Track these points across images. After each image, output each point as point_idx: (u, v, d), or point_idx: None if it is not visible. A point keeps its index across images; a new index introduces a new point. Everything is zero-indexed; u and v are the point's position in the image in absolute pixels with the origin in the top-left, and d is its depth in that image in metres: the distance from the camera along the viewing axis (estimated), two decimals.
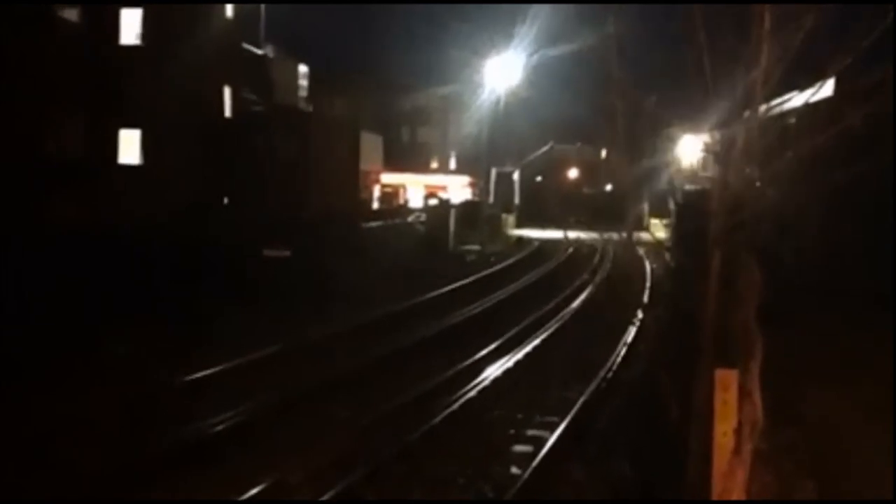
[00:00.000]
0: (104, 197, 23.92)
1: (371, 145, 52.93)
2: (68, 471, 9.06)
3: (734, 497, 5.88)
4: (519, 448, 11.03)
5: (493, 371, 14.62)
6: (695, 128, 7.49)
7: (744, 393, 5.90)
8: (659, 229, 34.89)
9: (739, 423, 5.91)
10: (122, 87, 25.61)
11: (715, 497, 5.93)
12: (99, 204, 23.15)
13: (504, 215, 52.56)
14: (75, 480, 8.78)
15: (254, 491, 8.76)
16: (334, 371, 14.08)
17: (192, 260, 19.89)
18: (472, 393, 13.14)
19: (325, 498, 8.62)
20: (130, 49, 26.74)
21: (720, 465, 5.93)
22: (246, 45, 34.19)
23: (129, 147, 27.08)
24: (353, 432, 10.95)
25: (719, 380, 5.87)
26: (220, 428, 10.83)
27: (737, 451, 5.91)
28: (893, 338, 8.52)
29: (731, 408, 5.88)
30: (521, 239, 48.20)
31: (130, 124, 26.75)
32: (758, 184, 6.70)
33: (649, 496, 8.59)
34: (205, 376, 13.05)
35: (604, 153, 73.60)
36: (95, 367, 13.35)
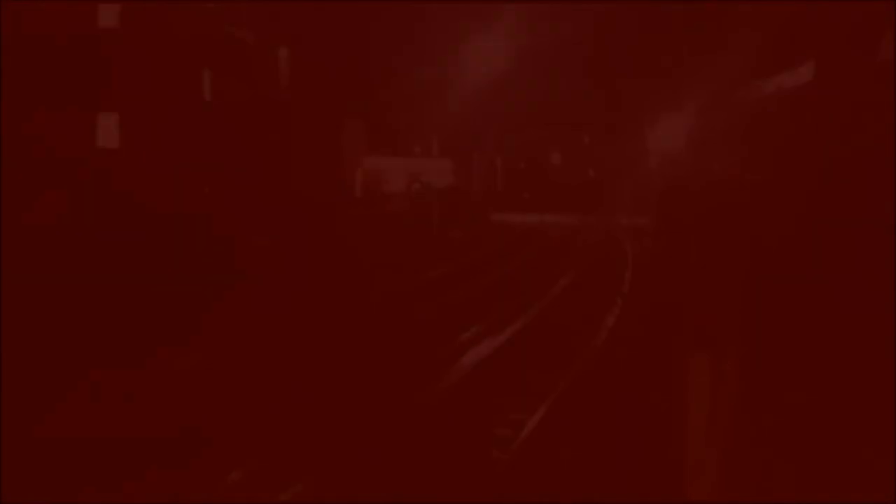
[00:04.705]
0: (85, 181, 23.72)
1: (353, 130, 52.68)
2: None
3: (707, 475, 5.91)
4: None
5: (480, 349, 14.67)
6: (677, 112, 7.51)
7: (720, 375, 5.91)
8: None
9: (715, 406, 5.92)
10: (100, 68, 25.34)
11: (687, 477, 5.95)
12: (80, 187, 22.99)
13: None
14: None
15: None
16: None
17: (178, 244, 19.77)
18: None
19: None
20: (108, 31, 26.43)
21: (695, 447, 5.95)
22: (226, 28, 33.82)
23: (107, 131, 26.81)
24: None
25: (695, 362, 5.89)
26: None
27: (711, 432, 5.93)
28: (894, 323, 8.52)
29: (706, 390, 5.90)
30: (503, 224, 48.28)
31: (108, 107, 26.47)
32: (740, 167, 6.71)
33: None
34: None
35: (587, 139, 73.77)
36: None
